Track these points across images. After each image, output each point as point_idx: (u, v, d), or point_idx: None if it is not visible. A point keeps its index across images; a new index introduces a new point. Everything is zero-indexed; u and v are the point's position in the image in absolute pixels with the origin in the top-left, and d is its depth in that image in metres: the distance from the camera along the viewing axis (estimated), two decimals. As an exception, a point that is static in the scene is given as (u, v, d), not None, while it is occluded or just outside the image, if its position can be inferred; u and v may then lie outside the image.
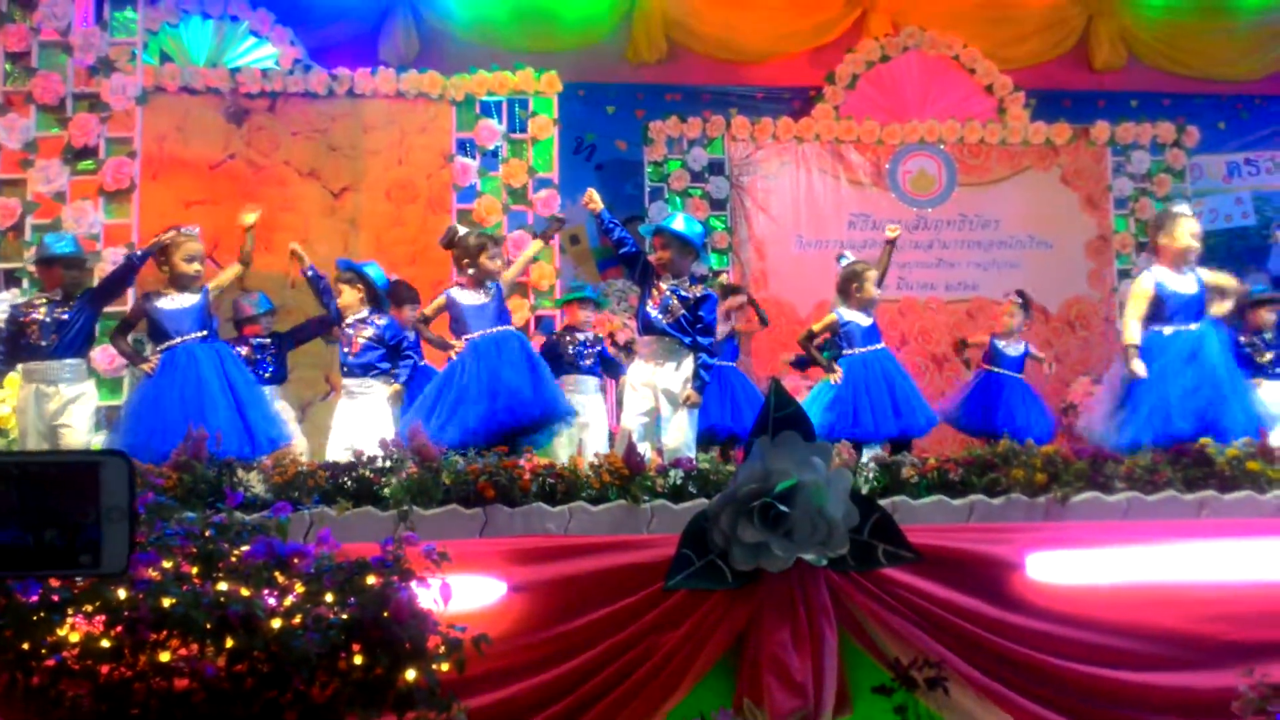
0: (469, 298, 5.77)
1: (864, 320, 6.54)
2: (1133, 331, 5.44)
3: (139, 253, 5.94)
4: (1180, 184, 9.58)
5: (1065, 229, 9.52)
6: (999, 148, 9.52)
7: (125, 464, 1.66)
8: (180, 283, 5.58)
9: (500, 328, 5.73)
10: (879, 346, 6.56)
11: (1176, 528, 4.49)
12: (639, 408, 5.68)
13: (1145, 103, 10.06)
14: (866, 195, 9.40)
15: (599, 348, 6.82)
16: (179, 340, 5.49)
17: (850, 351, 6.48)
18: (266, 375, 6.43)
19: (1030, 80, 9.75)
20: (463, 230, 5.94)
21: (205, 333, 5.55)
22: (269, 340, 6.81)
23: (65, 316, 5.69)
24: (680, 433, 5.61)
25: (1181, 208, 5.77)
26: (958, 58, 9.60)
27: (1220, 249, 9.38)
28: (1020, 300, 7.67)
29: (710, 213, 9.12)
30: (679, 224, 5.85)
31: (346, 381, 6.16)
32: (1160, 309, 5.45)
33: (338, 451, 5.56)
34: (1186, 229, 5.54)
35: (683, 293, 5.69)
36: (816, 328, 6.68)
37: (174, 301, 5.57)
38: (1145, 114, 9.80)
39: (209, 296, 5.64)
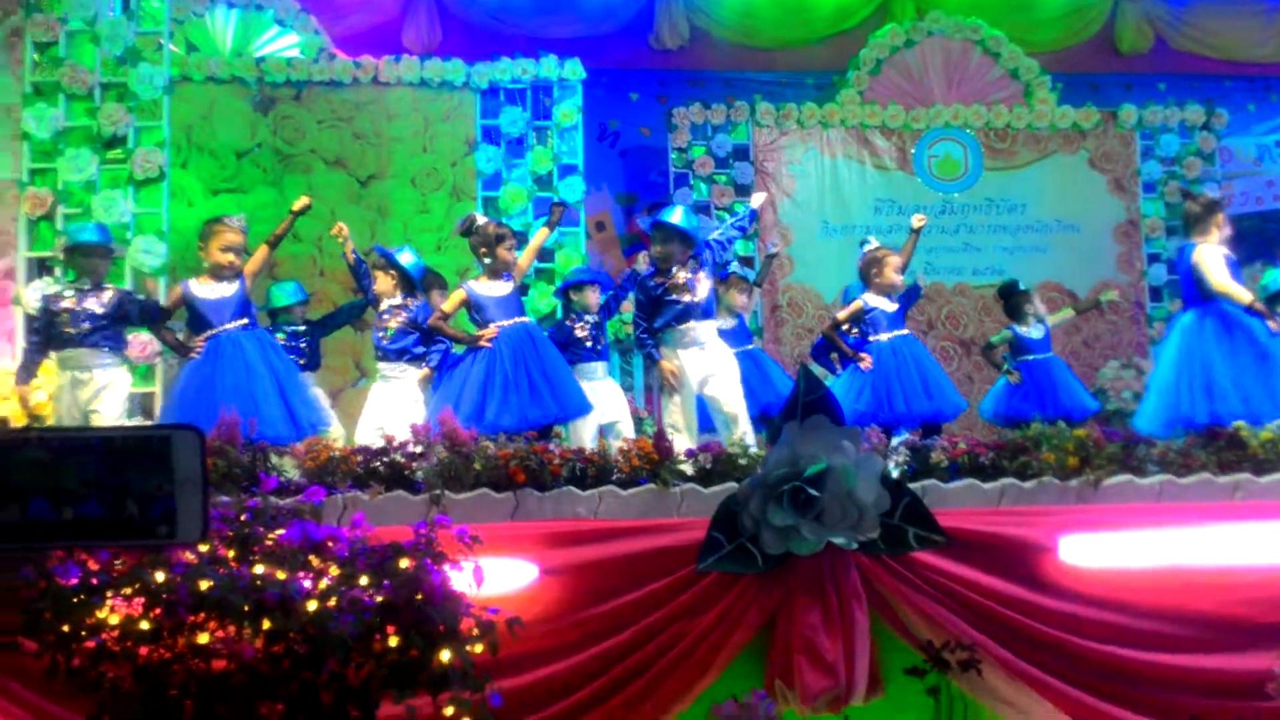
0: (491, 289, 5.78)
1: (889, 306, 6.51)
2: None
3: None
4: (1209, 167, 9.50)
5: (1093, 213, 9.45)
6: (1025, 132, 9.46)
7: (197, 437, 1.70)
8: (216, 272, 5.61)
9: (521, 319, 5.77)
10: (904, 332, 6.54)
11: (1210, 510, 4.46)
12: (690, 396, 5.76)
13: (1173, 86, 9.97)
14: (892, 180, 9.36)
15: (605, 329, 6.83)
16: (221, 329, 5.52)
17: (876, 338, 6.46)
18: (300, 363, 6.47)
19: (1056, 64, 9.68)
20: (481, 219, 5.94)
21: (246, 320, 5.58)
22: (302, 328, 6.86)
23: (95, 304, 5.72)
24: (740, 399, 5.74)
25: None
26: (982, 42, 9.53)
27: (1251, 232, 9.30)
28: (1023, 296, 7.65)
29: (735, 199, 9.10)
30: (677, 217, 5.86)
31: (380, 366, 6.20)
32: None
33: (368, 433, 5.59)
34: None
35: (699, 271, 5.76)
36: (842, 315, 6.66)
37: (213, 291, 5.59)
38: (1173, 97, 9.72)
39: (246, 284, 5.66)
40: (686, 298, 5.74)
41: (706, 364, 5.75)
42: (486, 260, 5.81)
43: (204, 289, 5.60)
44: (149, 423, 6.09)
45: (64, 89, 7.17)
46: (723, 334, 6.39)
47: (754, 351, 7.42)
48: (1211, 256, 5.50)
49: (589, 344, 6.57)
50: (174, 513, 1.70)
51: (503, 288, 5.79)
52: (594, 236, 9.34)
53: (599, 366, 6.63)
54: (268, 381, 5.38)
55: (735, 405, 5.72)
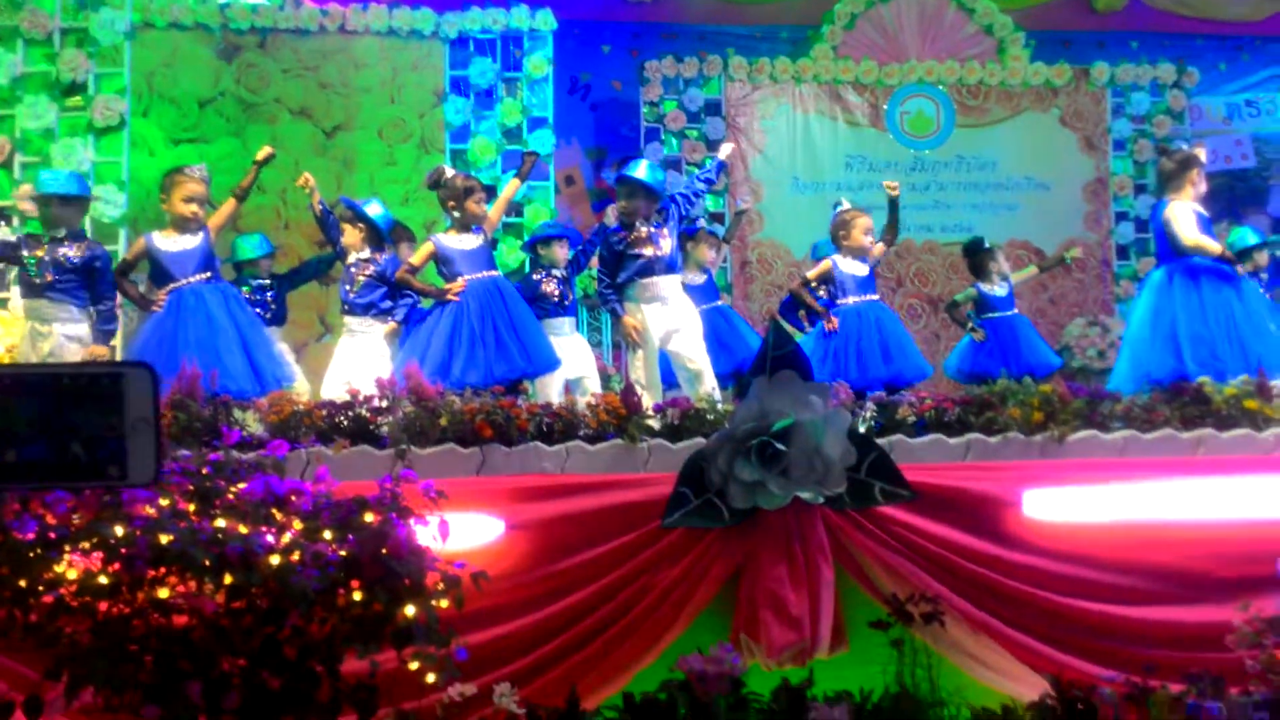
0: (459, 242, 5.71)
1: (860, 270, 6.47)
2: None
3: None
4: (1180, 126, 9.52)
5: (1063, 171, 9.46)
6: (998, 89, 9.43)
7: (149, 375, 1.64)
8: (179, 224, 5.52)
9: (491, 273, 5.71)
10: (873, 297, 6.49)
11: (1173, 465, 4.49)
12: (652, 351, 5.76)
13: (1145, 44, 9.95)
14: (864, 137, 9.32)
15: (573, 284, 6.79)
16: (184, 282, 5.44)
17: (844, 301, 6.43)
18: (266, 317, 6.41)
19: (1030, 21, 9.63)
20: (450, 172, 5.86)
21: (209, 274, 5.49)
22: (269, 281, 6.78)
23: (64, 255, 5.60)
24: (704, 354, 5.78)
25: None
26: (957, -3, 9.48)
27: (1220, 191, 9.33)
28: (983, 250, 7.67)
29: (706, 154, 9.03)
30: (642, 172, 5.84)
31: (348, 320, 6.13)
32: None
33: (335, 388, 5.54)
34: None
35: (665, 226, 5.77)
36: (811, 274, 6.64)
37: (176, 243, 5.50)
38: (1145, 55, 9.70)
39: (210, 237, 5.57)
40: (649, 252, 5.73)
41: (670, 319, 5.75)
42: (455, 213, 5.75)
43: (167, 241, 5.51)
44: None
45: (22, 34, 7.04)
46: (691, 290, 6.37)
47: (723, 308, 7.42)
48: (1182, 213, 5.52)
49: (556, 299, 6.54)
50: (125, 453, 1.64)
51: (472, 241, 5.72)
52: (563, 191, 9.26)
53: (566, 322, 6.60)
54: (231, 335, 5.31)
55: (699, 361, 5.73)
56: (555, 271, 6.64)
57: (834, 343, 6.30)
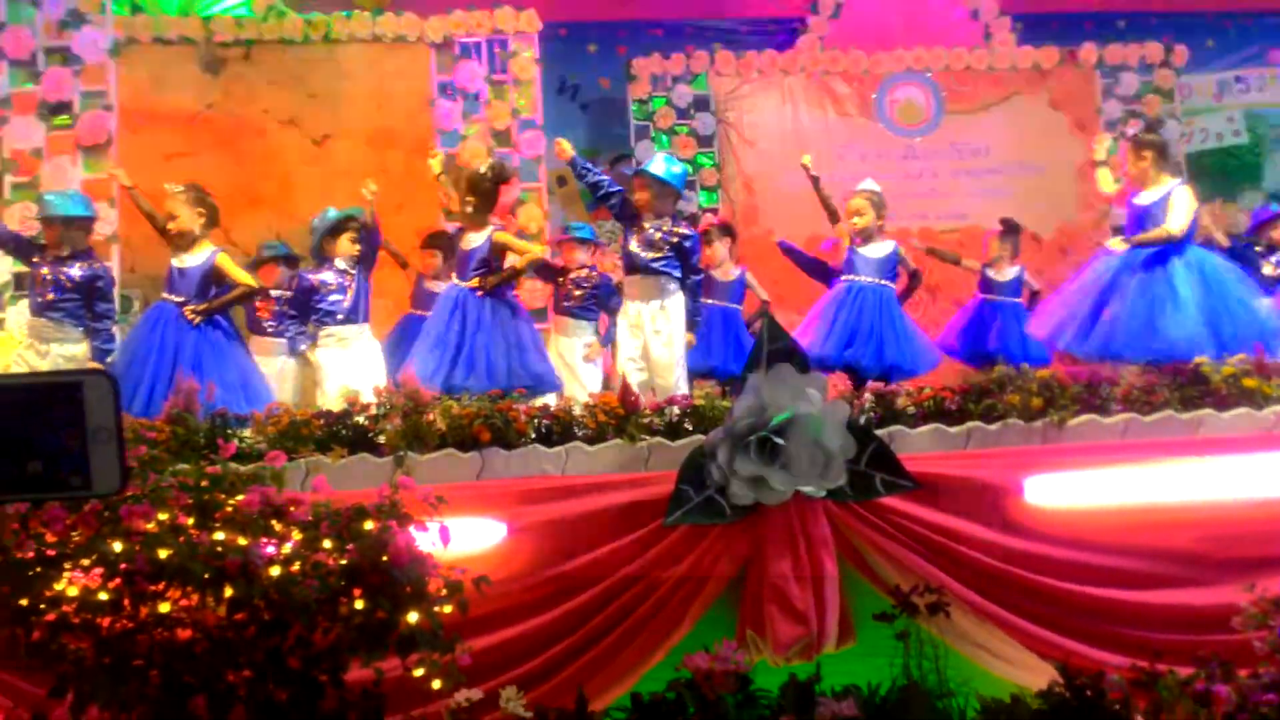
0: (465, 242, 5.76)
1: (869, 253, 6.52)
2: None
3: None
4: (1170, 104, 9.51)
5: (1055, 153, 9.44)
6: (986, 74, 9.42)
7: (108, 382, 1.60)
8: (172, 241, 5.56)
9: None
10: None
11: (1173, 446, 4.48)
12: (631, 350, 5.70)
13: (1133, 23, 9.95)
14: (854, 127, 9.30)
15: (595, 288, 6.77)
16: (163, 298, 5.54)
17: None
18: (277, 327, 6.47)
19: (1016, 3, 9.63)
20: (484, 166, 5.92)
21: (183, 298, 5.48)
22: (289, 294, 6.68)
23: (65, 274, 5.58)
24: (671, 369, 5.68)
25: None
26: (942, -18, 9.48)
27: (1213, 168, 9.34)
28: (1002, 229, 7.62)
29: (698, 150, 9.04)
30: (658, 167, 5.83)
31: (337, 329, 6.14)
32: None
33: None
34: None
35: (666, 231, 5.69)
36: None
37: (181, 260, 5.58)
38: (1133, 34, 9.69)
39: (213, 264, 5.55)
40: (644, 253, 5.70)
41: (651, 320, 5.71)
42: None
43: (175, 259, 5.60)
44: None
45: (5, 54, 6.99)
46: (724, 286, 6.43)
47: (729, 311, 7.37)
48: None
49: (583, 300, 6.61)
50: (88, 464, 1.61)
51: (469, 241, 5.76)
52: (556, 192, 9.25)
53: (586, 326, 6.69)
54: (170, 359, 5.29)
55: (665, 355, 5.69)
56: (572, 273, 6.69)
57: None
